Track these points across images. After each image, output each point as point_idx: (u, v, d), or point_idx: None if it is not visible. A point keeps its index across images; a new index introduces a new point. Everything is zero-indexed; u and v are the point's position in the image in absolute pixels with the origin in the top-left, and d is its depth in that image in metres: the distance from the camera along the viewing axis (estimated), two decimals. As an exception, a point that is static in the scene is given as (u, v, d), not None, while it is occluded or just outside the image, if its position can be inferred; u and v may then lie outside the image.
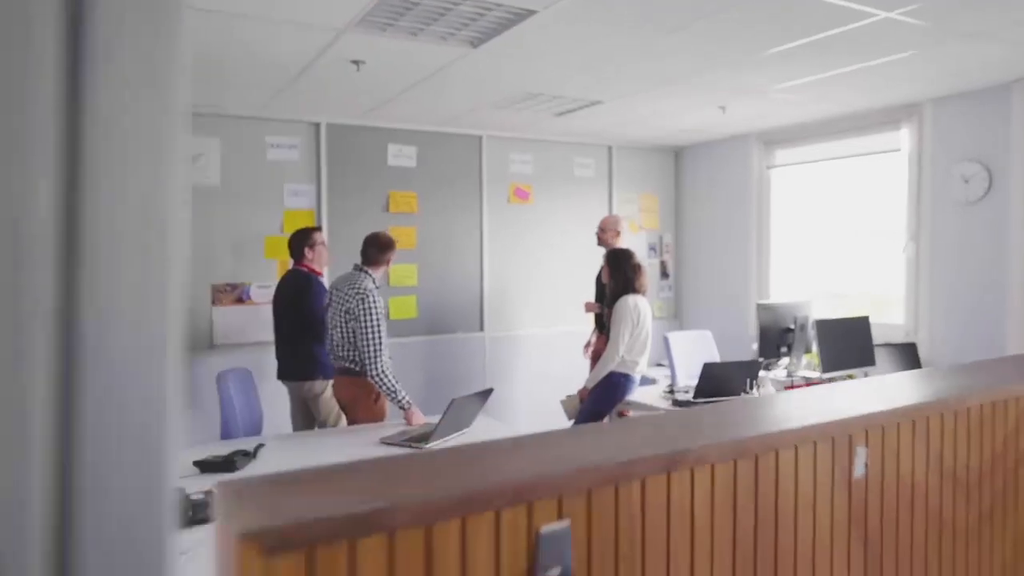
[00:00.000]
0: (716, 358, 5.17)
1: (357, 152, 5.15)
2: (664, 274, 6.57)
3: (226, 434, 3.70)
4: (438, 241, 5.46)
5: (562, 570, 1.25)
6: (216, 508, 1.12)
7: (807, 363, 4.65)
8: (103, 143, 0.48)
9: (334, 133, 5.06)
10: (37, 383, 0.46)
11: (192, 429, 4.52)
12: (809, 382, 4.36)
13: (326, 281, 4.36)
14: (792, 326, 4.58)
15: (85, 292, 0.48)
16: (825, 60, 3.68)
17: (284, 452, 3.19)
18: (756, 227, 5.90)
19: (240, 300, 4.80)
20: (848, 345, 4.34)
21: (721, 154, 6.16)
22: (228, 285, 4.77)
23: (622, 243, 4.79)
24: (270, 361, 4.29)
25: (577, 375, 4.93)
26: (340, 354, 3.68)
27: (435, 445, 3.17)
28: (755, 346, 4.70)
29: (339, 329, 3.66)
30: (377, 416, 3.72)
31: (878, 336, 4.52)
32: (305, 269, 4.20)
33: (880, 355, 4.50)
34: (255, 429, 3.93)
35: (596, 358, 4.65)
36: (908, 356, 4.63)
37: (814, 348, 4.41)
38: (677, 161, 6.61)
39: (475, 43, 3.36)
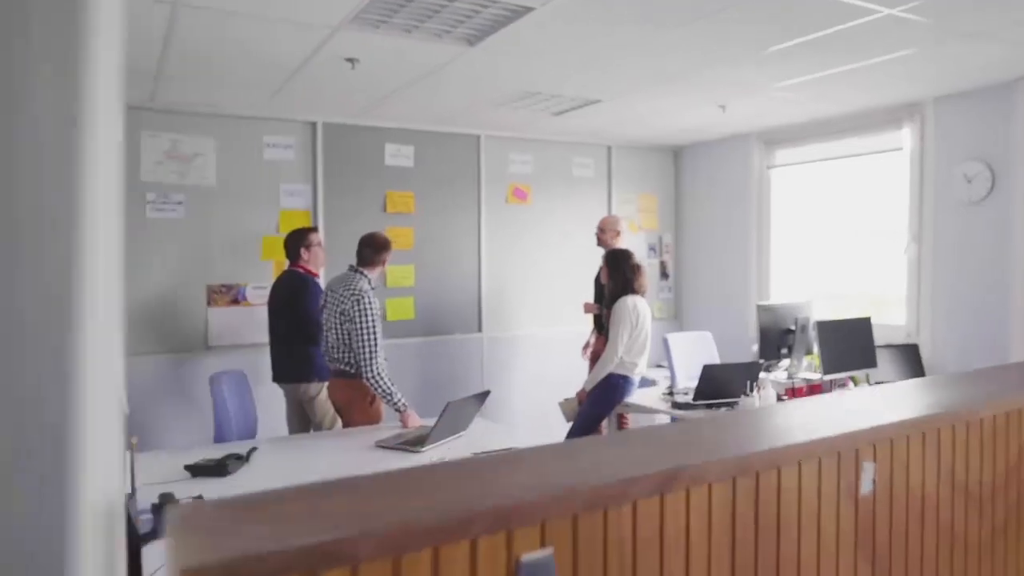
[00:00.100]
0: (716, 359, 5.14)
1: (354, 152, 5.11)
2: (663, 275, 6.52)
3: (219, 437, 3.67)
4: (436, 241, 5.42)
5: None
6: (165, 536, 1.02)
7: (808, 365, 4.61)
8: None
9: (330, 132, 5.02)
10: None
11: (186, 432, 4.48)
12: (810, 384, 4.33)
13: (322, 282, 4.32)
14: (793, 327, 4.53)
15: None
16: (826, 58, 3.63)
17: (277, 456, 3.15)
18: (756, 227, 5.86)
19: (235, 301, 4.76)
20: (849, 346, 4.30)
21: (721, 154, 6.12)
22: (223, 286, 4.73)
23: (622, 243, 4.76)
24: (266, 363, 4.25)
25: (576, 376, 4.89)
26: (335, 356, 3.64)
27: (431, 448, 3.13)
28: (755, 347, 4.66)
29: (334, 331, 3.62)
30: (373, 419, 3.68)
31: (879, 337, 4.48)
32: (301, 270, 4.16)
33: (882, 356, 4.46)
34: (249, 432, 3.89)
35: (595, 359, 4.61)
36: (910, 358, 4.59)
37: (815, 349, 4.37)
38: (677, 161, 6.57)
39: (471, 41, 3.32)
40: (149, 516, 2.21)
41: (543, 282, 5.86)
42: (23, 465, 0.44)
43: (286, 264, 4.24)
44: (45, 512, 0.44)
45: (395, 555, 1.02)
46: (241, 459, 2.92)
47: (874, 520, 1.67)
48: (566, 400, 4.35)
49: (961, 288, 4.50)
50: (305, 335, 4.01)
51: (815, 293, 5.33)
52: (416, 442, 3.17)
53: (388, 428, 3.53)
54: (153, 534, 2.00)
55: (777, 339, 4.54)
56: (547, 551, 1.16)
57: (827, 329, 4.22)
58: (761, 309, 4.63)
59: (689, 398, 4.10)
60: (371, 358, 3.48)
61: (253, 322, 4.67)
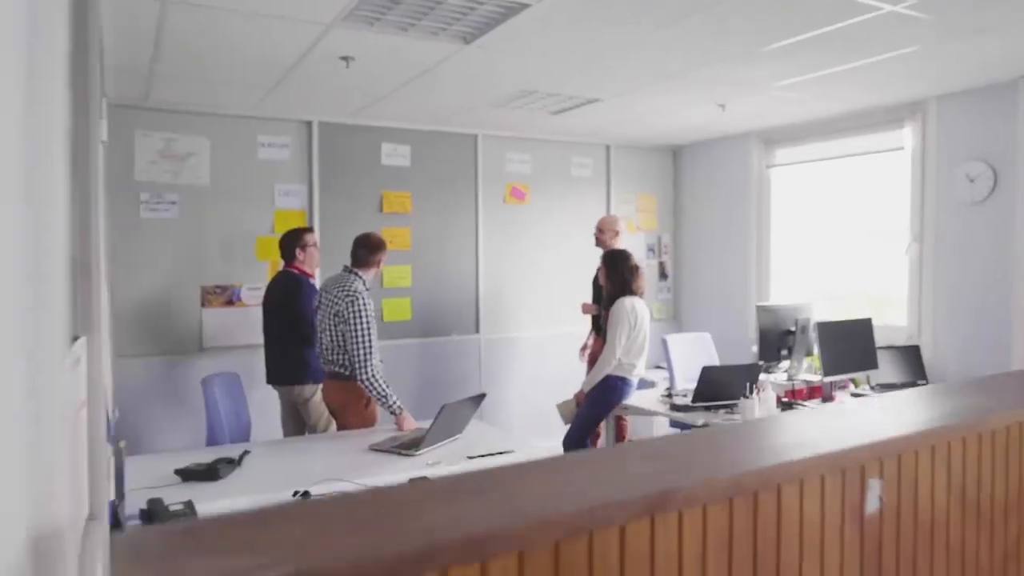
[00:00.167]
0: (715, 361, 5.10)
1: (350, 151, 5.06)
2: (662, 275, 6.48)
3: (212, 440, 3.62)
4: (433, 242, 5.37)
5: None
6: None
7: (808, 366, 4.56)
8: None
9: (326, 132, 4.97)
10: None
11: (178, 435, 4.43)
12: (810, 385, 4.28)
13: (317, 283, 4.27)
14: (793, 328, 4.49)
15: None
16: (827, 56, 3.59)
17: (270, 459, 3.10)
18: (756, 227, 5.81)
19: (230, 302, 4.71)
20: (850, 348, 4.26)
21: (720, 153, 6.07)
22: (218, 287, 4.68)
23: (620, 243, 4.72)
24: (261, 364, 4.20)
25: (574, 378, 4.84)
26: (330, 358, 3.59)
27: (426, 452, 3.08)
28: (755, 349, 4.61)
29: (328, 332, 3.57)
30: (368, 421, 3.64)
31: (880, 339, 4.44)
32: (296, 271, 4.11)
33: (883, 358, 4.42)
34: (242, 435, 3.84)
35: (593, 361, 4.57)
36: (911, 359, 4.54)
37: (815, 351, 4.33)
38: (676, 160, 6.52)
39: (467, 39, 3.27)
40: (137, 522, 2.17)
41: (541, 283, 5.82)
42: None
43: (281, 265, 4.20)
44: None
45: None
46: (233, 463, 2.88)
47: (880, 542, 1.58)
48: (564, 402, 4.31)
49: (963, 289, 4.46)
50: (299, 336, 3.96)
51: (815, 294, 5.29)
52: (411, 445, 3.13)
53: (383, 431, 3.49)
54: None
55: (777, 340, 4.50)
56: None
57: (828, 330, 4.18)
58: (761, 310, 4.59)
59: (688, 400, 4.06)
60: (366, 360, 3.43)
61: (248, 323, 4.62)
